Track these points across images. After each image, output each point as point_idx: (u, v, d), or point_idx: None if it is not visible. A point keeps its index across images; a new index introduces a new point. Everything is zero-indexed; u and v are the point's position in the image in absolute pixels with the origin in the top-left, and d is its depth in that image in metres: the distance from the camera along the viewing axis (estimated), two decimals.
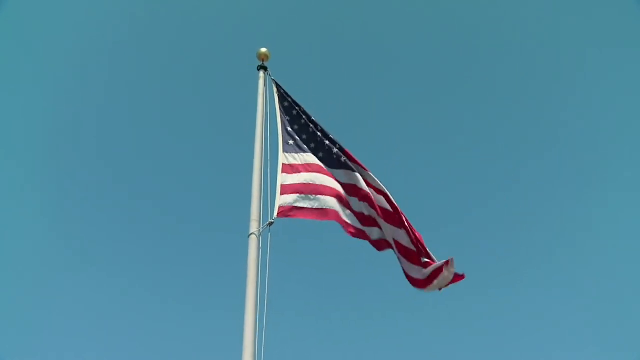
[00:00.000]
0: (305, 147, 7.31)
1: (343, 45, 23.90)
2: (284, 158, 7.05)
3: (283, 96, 7.70)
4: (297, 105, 7.62)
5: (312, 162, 7.12)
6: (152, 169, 22.05)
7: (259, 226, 6.24)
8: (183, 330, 17.92)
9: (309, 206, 6.74)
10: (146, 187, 21.57)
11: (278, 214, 6.45)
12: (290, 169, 6.98)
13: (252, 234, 6.14)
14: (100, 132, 21.15)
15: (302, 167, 7.05)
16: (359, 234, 6.89)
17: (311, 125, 7.45)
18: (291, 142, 7.28)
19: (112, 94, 21.52)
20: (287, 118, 7.54)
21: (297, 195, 6.75)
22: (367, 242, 6.96)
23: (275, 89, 7.72)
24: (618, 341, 16.15)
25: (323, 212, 6.80)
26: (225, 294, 18.00)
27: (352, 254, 20.35)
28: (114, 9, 20.89)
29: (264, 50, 7.86)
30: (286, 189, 6.73)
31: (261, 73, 7.76)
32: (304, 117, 7.51)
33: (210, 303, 18.66)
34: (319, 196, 6.84)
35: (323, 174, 7.05)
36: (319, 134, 7.36)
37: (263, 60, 7.83)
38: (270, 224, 6.31)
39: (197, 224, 21.13)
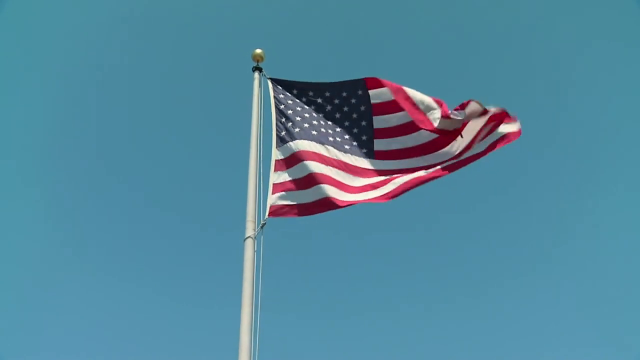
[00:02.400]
0: (300, 133, 7.21)
1: (339, 45, 23.88)
2: (276, 154, 6.99)
3: (285, 89, 7.64)
4: (303, 95, 7.59)
5: (304, 150, 6.99)
6: (149, 170, 22.09)
7: (255, 227, 6.22)
8: (179, 330, 17.98)
9: (300, 202, 6.65)
10: (143, 188, 21.57)
11: (269, 213, 6.42)
12: (282, 164, 6.92)
13: (248, 237, 6.13)
14: (97, 133, 21.21)
15: (293, 158, 6.94)
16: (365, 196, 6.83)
17: (315, 114, 7.44)
18: (283, 133, 7.21)
19: (109, 95, 21.55)
20: (288, 107, 7.45)
21: (288, 192, 6.68)
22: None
23: (270, 87, 7.67)
24: (619, 340, 16.17)
25: (315, 205, 6.66)
26: (222, 293, 18.07)
27: (349, 254, 20.44)
28: (112, 10, 20.89)
29: (258, 51, 7.81)
30: (277, 188, 6.69)
31: (256, 74, 7.69)
32: (307, 106, 7.49)
33: (207, 303, 18.72)
34: (309, 189, 6.71)
35: (316, 160, 6.92)
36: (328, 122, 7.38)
37: (258, 62, 7.77)
38: (263, 225, 6.28)
39: (195, 224, 21.16)
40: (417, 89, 7.43)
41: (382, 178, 6.92)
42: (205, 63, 22.87)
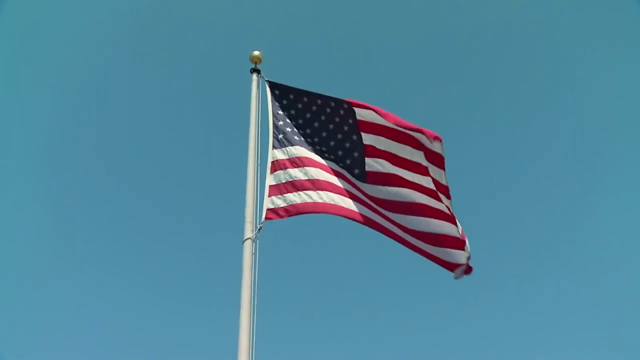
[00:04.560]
0: (298, 139, 7.18)
1: (337, 46, 23.90)
2: (273, 156, 6.94)
3: (282, 95, 7.59)
4: (299, 101, 7.48)
5: (302, 155, 6.98)
6: (147, 171, 22.16)
7: (254, 229, 6.22)
8: (179, 330, 18.03)
9: (295, 202, 6.58)
10: (142, 189, 21.65)
11: (266, 217, 6.37)
12: (279, 166, 6.88)
13: (247, 239, 6.13)
14: (96, 134, 21.26)
15: (289, 162, 6.92)
16: (370, 223, 6.72)
17: (311, 123, 7.35)
18: (281, 136, 7.16)
19: (108, 97, 21.59)
20: (285, 113, 7.41)
21: (283, 194, 6.63)
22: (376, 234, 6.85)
23: (268, 90, 7.64)
24: (620, 341, 16.17)
25: (314, 205, 6.63)
26: (221, 294, 18.11)
27: (348, 254, 20.47)
28: (111, 11, 20.92)
29: (256, 52, 7.79)
30: (273, 190, 6.65)
31: (254, 76, 7.67)
32: (303, 113, 7.41)
33: (206, 303, 18.78)
34: (308, 191, 6.68)
35: (315, 167, 6.90)
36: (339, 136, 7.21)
37: (256, 63, 7.74)
38: (260, 228, 6.25)
39: (194, 226, 21.24)
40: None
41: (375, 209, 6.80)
42: (203, 65, 22.93)
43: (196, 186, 22.13)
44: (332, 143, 7.25)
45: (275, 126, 7.25)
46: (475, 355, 17.43)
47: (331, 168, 7.07)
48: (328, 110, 7.39)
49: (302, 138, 7.23)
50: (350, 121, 7.21)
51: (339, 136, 7.24)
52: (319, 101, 7.46)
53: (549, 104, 22.26)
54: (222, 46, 22.66)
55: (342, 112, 7.28)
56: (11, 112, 19.21)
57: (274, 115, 7.37)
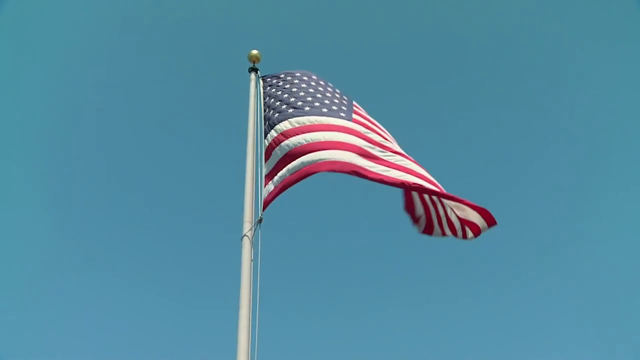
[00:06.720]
0: (280, 115, 6.91)
1: (335, 45, 23.94)
2: (265, 143, 6.80)
3: (269, 81, 7.54)
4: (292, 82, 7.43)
5: (281, 131, 6.72)
6: (147, 170, 22.19)
7: (252, 227, 6.21)
8: (178, 329, 18.00)
9: (285, 177, 6.31)
10: (141, 188, 21.69)
11: (264, 207, 6.26)
12: (267, 154, 6.70)
13: (244, 235, 6.13)
14: (96, 133, 21.28)
15: (275, 141, 6.67)
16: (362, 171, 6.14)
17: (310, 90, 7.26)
18: (267, 123, 7.00)
19: (108, 96, 21.62)
20: (268, 99, 7.28)
21: (276, 176, 6.41)
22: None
23: (262, 85, 7.60)
24: (620, 341, 16.17)
25: (301, 172, 6.26)
26: (220, 293, 18.11)
27: (347, 253, 20.48)
28: (111, 11, 20.96)
29: (255, 52, 7.86)
30: (268, 178, 6.51)
31: (252, 75, 7.74)
32: (300, 85, 7.33)
33: (205, 302, 18.77)
34: (294, 162, 6.36)
35: (291, 136, 6.59)
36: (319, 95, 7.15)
37: (254, 62, 7.82)
38: (259, 220, 6.21)
39: (193, 225, 21.23)
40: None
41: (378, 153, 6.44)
42: (203, 65, 22.97)
43: (196, 185, 22.18)
44: (326, 101, 7.08)
45: (266, 117, 7.15)
46: (476, 355, 17.44)
47: (318, 122, 6.75)
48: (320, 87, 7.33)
49: (285, 110, 6.98)
50: (345, 101, 7.18)
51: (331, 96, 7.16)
52: (314, 77, 7.45)
53: (548, 103, 22.31)
54: (221, 45, 22.71)
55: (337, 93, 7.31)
56: (11, 112, 19.25)
57: (265, 107, 7.28)
